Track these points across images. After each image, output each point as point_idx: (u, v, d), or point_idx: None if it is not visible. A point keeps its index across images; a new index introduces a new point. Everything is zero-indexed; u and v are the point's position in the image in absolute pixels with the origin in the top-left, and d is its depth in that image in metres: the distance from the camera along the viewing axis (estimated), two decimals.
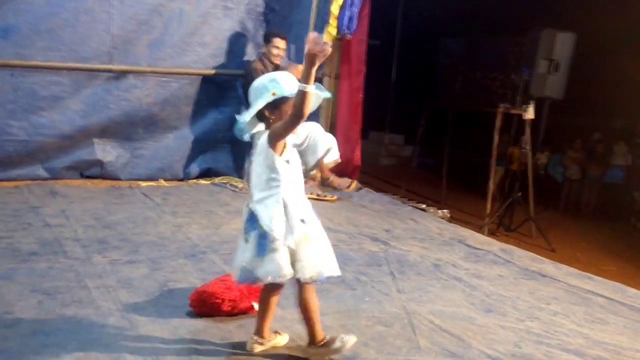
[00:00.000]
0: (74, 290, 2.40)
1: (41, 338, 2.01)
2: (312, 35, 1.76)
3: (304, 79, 1.75)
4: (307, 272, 1.87)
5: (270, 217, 1.85)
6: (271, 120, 1.90)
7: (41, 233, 3.11)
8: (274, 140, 1.86)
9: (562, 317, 2.65)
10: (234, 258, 1.98)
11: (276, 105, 1.87)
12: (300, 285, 1.92)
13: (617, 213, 7.10)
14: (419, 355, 2.15)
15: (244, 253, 1.89)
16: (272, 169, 1.88)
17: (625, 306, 2.89)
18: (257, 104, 1.87)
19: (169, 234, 3.31)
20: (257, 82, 1.93)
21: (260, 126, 1.96)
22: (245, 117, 1.90)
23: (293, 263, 1.86)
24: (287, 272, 1.85)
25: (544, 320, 2.60)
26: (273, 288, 1.96)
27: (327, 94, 1.92)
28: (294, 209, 1.87)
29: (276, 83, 1.87)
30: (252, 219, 1.89)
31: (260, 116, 1.92)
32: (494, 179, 5.82)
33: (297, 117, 1.78)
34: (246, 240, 1.89)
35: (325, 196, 4.40)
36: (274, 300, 2.00)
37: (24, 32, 4.03)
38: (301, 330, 2.10)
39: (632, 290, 3.14)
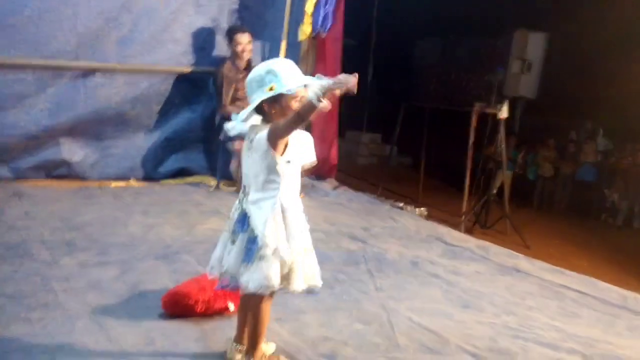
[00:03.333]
0: (39, 294, 2.29)
1: (5, 344, 1.91)
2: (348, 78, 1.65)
3: (323, 92, 1.61)
4: (300, 284, 1.75)
5: (263, 221, 1.70)
6: (272, 114, 1.74)
7: (5, 236, 2.97)
8: (276, 139, 1.69)
9: (536, 312, 2.69)
10: (213, 258, 1.83)
11: (276, 99, 1.72)
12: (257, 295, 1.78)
13: (588, 210, 7.28)
14: (398, 353, 2.13)
15: (228, 256, 1.75)
16: (272, 169, 1.72)
17: (596, 299, 2.95)
18: (254, 101, 1.72)
19: (140, 234, 3.21)
20: (254, 73, 1.74)
21: (256, 119, 1.79)
22: (242, 115, 1.76)
23: (286, 274, 1.73)
24: (275, 283, 1.70)
25: (520, 315, 2.63)
26: (262, 297, 1.79)
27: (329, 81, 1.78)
28: (293, 216, 1.74)
29: (273, 76, 1.71)
30: (244, 221, 1.74)
31: (258, 108, 1.75)
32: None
33: (299, 120, 1.65)
34: (232, 242, 1.75)
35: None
36: (268, 308, 1.83)
37: None
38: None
39: (603, 284, 3.21)
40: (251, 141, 1.78)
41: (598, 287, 3.16)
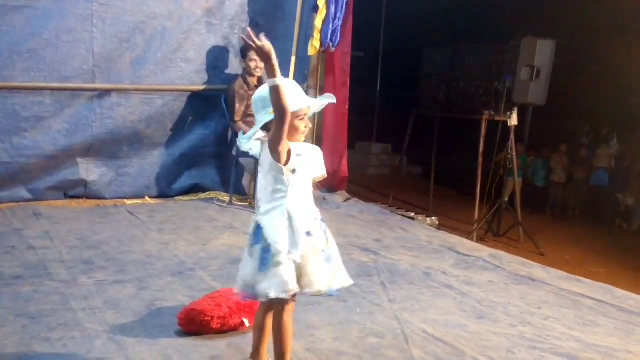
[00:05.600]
0: (59, 313, 2.35)
1: None
2: (248, 33, 1.73)
3: (268, 75, 1.71)
4: (316, 286, 1.79)
5: (274, 229, 1.78)
6: None
7: (25, 256, 3.05)
8: (274, 146, 1.76)
9: (553, 321, 2.66)
10: (238, 273, 1.89)
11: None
12: (277, 307, 1.83)
13: (602, 215, 7.19)
14: None
15: (246, 268, 1.82)
16: (277, 179, 1.80)
17: (614, 307, 2.91)
18: (258, 122, 1.80)
19: (155, 252, 3.26)
20: (258, 93, 1.82)
21: (265, 136, 1.86)
22: (250, 134, 1.83)
23: (299, 278, 1.78)
24: (292, 287, 1.75)
25: (536, 324, 2.60)
26: (284, 307, 1.81)
27: (332, 99, 1.87)
28: (299, 222, 1.79)
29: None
30: (258, 232, 1.81)
31: (265, 127, 1.83)
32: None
33: (281, 113, 1.70)
34: (251, 255, 1.82)
35: None
36: (290, 321, 1.86)
37: (5, 53, 3.99)
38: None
39: (620, 292, 3.16)
40: (260, 157, 1.87)
41: (615, 294, 3.12)
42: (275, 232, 1.77)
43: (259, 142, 1.86)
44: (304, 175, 1.85)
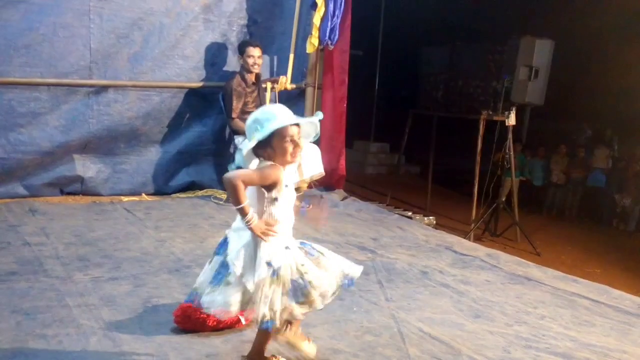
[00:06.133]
0: (54, 310, 2.34)
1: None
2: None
3: (239, 207, 1.77)
4: (257, 313, 1.78)
5: (237, 249, 1.80)
6: (265, 156, 1.83)
7: (20, 252, 3.03)
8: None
9: (549, 321, 2.67)
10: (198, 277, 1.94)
11: (266, 142, 1.80)
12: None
13: (599, 216, 7.21)
14: None
15: (204, 274, 1.87)
16: (258, 201, 1.82)
17: (610, 307, 2.92)
18: (246, 148, 1.81)
19: (151, 249, 3.25)
20: (248, 121, 1.86)
21: (256, 161, 1.89)
22: (243, 152, 1.84)
23: (247, 301, 1.81)
24: (233, 309, 1.81)
25: (532, 324, 2.61)
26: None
27: (319, 116, 1.90)
28: (263, 249, 1.79)
29: (258, 125, 1.80)
30: (223, 245, 1.85)
31: (255, 152, 1.86)
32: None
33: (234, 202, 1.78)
34: (209, 262, 1.87)
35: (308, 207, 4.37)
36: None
37: (1, 48, 3.96)
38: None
39: (616, 292, 3.17)
40: None
41: (611, 294, 3.13)
42: (237, 253, 1.79)
43: (250, 162, 1.88)
44: (285, 206, 1.86)
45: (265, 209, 1.81)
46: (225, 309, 1.79)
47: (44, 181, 4.25)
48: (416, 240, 3.97)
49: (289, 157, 1.82)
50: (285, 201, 1.85)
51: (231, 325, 2.25)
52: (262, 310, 1.76)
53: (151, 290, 2.62)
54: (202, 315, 2.19)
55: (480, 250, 3.81)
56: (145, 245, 3.31)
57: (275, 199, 1.82)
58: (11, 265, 2.82)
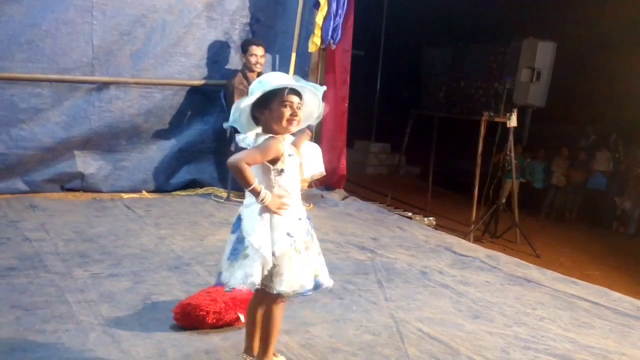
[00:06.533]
0: (54, 306, 2.34)
1: (19, 355, 1.94)
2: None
3: (250, 189, 1.76)
4: (288, 286, 1.78)
5: (252, 223, 1.79)
6: (262, 119, 1.82)
7: (20, 248, 3.03)
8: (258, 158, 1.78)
9: (548, 322, 2.67)
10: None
11: (264, 104, 1.79)
12: (269, 298, 1.84)
13: (599, 218, 7.21)
14: None
15: (223, 255, 1.84)
16: (265, 176, 1.80)
17: (609, 310, 2.92)
18: (245, 102, 1.78)
19: (151, 246, 3.25)
20: (253, 83, 1.86)
21: (258, 129, 1.87)
22: (241, 104, 1.80)
23: (271, 276, 1.78)
24: (256, 280, 1.75)
25: (531, 325, 2.61)
26: (275, 300, 1.84)
27: (323, 88, 1.85)
28: (280, 220, 1.80)
29: (259, 84, 1.81)
30: (237, 223, 1.83)
31: (254, 118, 1.84)
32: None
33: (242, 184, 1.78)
34: (228, 243, 1.84)
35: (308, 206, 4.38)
36: (280, 314, 1.87)
37: (4, 44, 3.97)
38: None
39: (616, 294, 3.17)
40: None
41: (611, 297, 3.13)
42: (252, 226, 1.77)
43: (253, 133, 1.86)
44: (292, 176, 1.84)
45: (273, 182, 1.81)
46: (246, 280, 1.74)
47: (44, 177, 4.25)
48: (416, 240, 3.97)
49: (284, 123, 1.79)
50: (292, 170, 1.84)
51: (231, 323, 2.25)
52: (294, 280, 1.77)
53: (151, 287, 2.62)
54: (201, 313, 2.20)
55: (480, 251, 3.82)
56: (145, 242, 3.31)
57: (282, 170, 1.81)
58: (11, 261, 2.82)
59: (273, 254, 1.77)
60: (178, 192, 4.67)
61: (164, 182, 4.68)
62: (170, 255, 3.11)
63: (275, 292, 1.79)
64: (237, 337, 2.16)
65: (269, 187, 1.80)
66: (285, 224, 1.80)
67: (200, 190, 4.73)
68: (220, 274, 1.83)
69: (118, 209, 4.01)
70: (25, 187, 4.20)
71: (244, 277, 1.75)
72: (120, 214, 3.89)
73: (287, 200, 1.82)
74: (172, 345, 2.10)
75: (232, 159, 1.76)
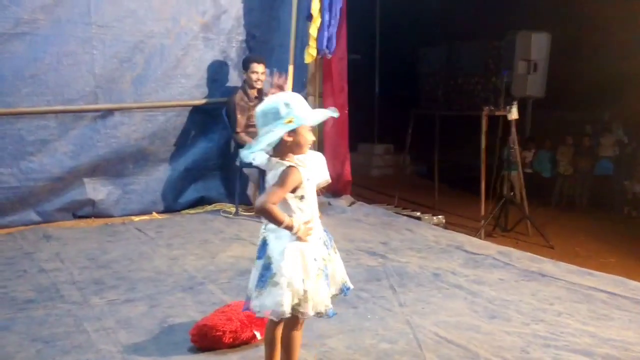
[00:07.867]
0: (73, 336, 2.37)
1: None
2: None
3: (283, 226, 1.77)
4: (313, 308, 1.79)
5: (280, 250, 1.77)
6: (287, 143, 1.78)
7: (37, 279, 3.08)
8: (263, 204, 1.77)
9: (566, 317, 2.64)
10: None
11: (294, 129, 1.77)
12: (290, 321, 1.83)
13: (610, 204, 7.14)
14: None
15: (250, 281, 1.84)
16: (284, 204, 1.80)
17: (627, 299, 2.88)
18: (272, 132, 1.75)
19: (165, 267, 3.29)
20: (268, 105, 1.78)
21: (264, 156, 1.86)
22: (260, 145, 1.78)
23: (299, 301, 1.77)
24: (286, 310, 1.75)
25: (549, 321, 2.59)
26: (295, 321, 1.81)
27: (335, 114, 1.87)
28: (306, 247, 1.79)
29: (290, 109, 1.76)
30: (263, 247, 1.82)
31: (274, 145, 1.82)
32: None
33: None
34: (255, 268, 1.84)
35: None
36: (299, 337, 1.86)
37: (9, 80, 4.04)
38: None
39: (633, 283, 3.13)
40: (266, 174, 1.87)
41: (628, 286, 3.08)
42: (280, 254, 1.77)
43: (263, 153, 1.85)
44: (312, 198, 1.85)
45: (294, 209, 1.81)
46: (276, 309, 1.75)
47: (56, 206, 4.31)
48: (426, 241, 3.96)
49: (305, 149, 1.82)
50: (311, 194, 1.85)
51: (247, 342, 2.27)
52: (320, 303, 1.79)
53: (166, 310, 2.65)
54: (217, 333, 2.22)
55: (491, 248, 3.80)
56: (159, 264, 3.35)
57: (302, 197, 1.81)
58: (28, 293, 2.87)
59: (302, 281, 1.77)
60: (187, 211, 4.72)
61: (173, 202, 4.73)
62: (184, 276, 3.15)
63: (301, 316, 1.79)
64: (254, 355, 2.18)
65: (291, 213, 1.81)
66: (311, 250, 1.81)
67: (208, 207, 4.78)
68: (249, 300, 1.83)
69: (130, 233, 4.06)
70: (37, 217, 4.26)
71: (274, 305, 1.76)
72: (132, 237, 3.94)
73: (310, 225, 1.83)
74: None
75: (259, 204, 1.77)
